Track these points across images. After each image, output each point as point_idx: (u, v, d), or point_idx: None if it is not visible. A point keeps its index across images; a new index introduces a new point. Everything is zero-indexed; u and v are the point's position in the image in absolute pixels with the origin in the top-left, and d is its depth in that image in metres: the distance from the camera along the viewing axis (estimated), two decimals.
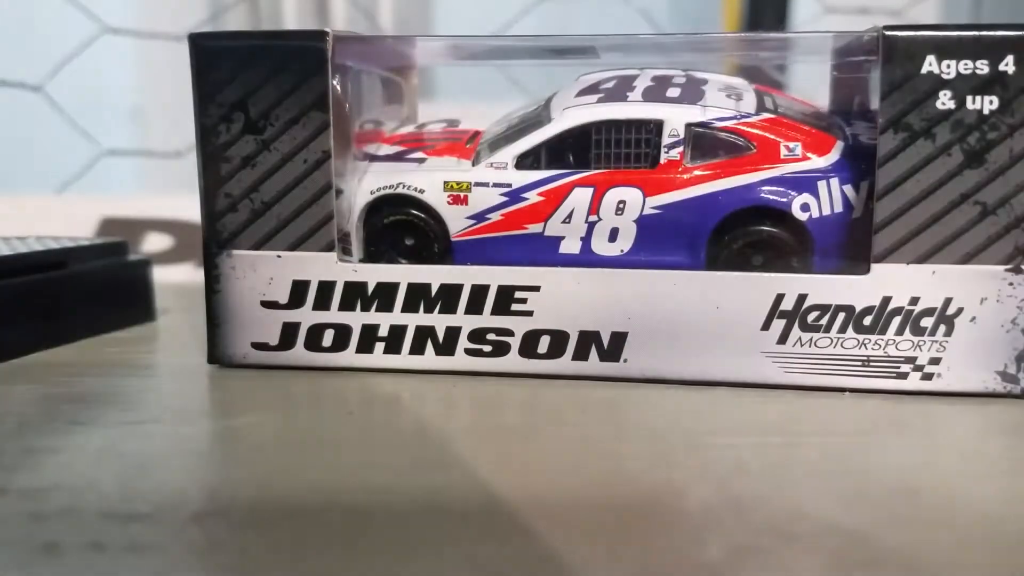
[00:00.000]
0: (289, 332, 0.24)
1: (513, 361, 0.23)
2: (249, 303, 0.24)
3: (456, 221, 0.24)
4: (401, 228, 0.24)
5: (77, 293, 0.28)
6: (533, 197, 0.24)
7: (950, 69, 0.21)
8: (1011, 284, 0.21)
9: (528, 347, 0.23)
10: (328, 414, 0.21)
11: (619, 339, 0.23)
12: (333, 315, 0.24)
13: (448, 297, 0.23)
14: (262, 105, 0.23)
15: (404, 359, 0.24)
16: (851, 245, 0.23)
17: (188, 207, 0.40)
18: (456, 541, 0.14)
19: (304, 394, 0.22)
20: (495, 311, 0.23)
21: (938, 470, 0.17)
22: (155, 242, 0.44)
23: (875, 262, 0.22)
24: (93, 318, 0.29)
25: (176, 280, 0.38)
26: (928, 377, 0.22)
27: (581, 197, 0.23)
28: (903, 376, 0.22)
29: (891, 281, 0.22)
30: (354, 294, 0.24)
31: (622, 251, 0.23)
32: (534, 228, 0.24)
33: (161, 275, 0.33)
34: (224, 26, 0.83)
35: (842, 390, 0.22)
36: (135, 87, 0.90)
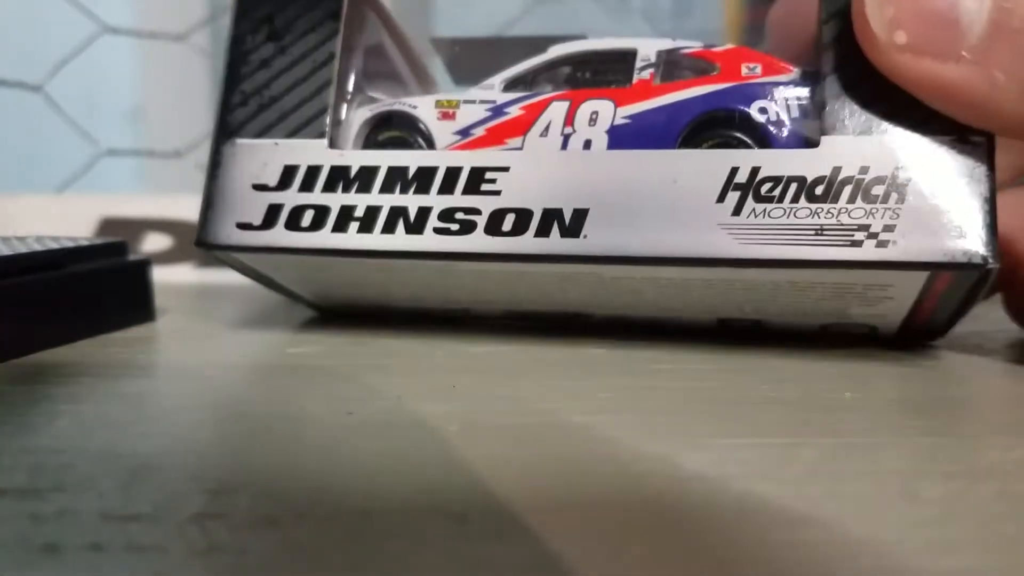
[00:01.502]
0: (272, 212, 0.25)
1: (478, 239, 0.24)
2: (242, 186, 0.26)
3: (443, 136, 0.26)
4: (393, 146, 0.26)
5: (77, 293, 0.28)
6: (515, 111, 0.25)
7: None
8: (960, 152, 0.22)
9: (493, 225, 0.24)
10: (329, 414, 0.21)
11: (580, 216, 0.24)
12: (315, 196, 0.25)
13: (423, 179, 0.25)
14: (286, 17, 0.26)
15: (375, 238, 0.25)
16: (806, 147, 0.23)
17: (188, 207, 0.40)
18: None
19: (305, 392, 0.22)
20: (466, 191, 0.24)
21: None
22: (155, 242, 0.44)
23: (824, 134, 0.23)
24: (93, 318, 0.29)
25: (176, 280, 0.38)
26: (883, 244, 0.22)
27: (558, 110, 0.25)
28: (858, 244, 0.22)
29: (841, 152, 0.22)
30: (337, 176, 0.25)
31: None
32: (514, 143, 0.25)
33: (161, 275, 0.33)
34: (224, 26, 0.83)
35: (799, 264, 0.22)
36: (135, 87, 0.90)
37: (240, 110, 0.26)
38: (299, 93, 0.26)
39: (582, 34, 0.27)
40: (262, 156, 0.26)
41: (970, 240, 0.22)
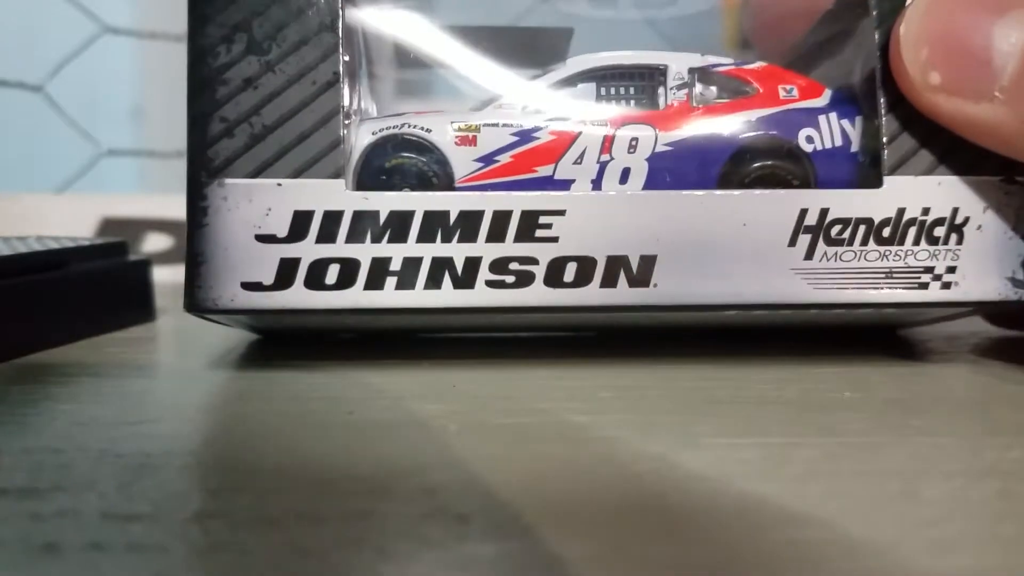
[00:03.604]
0: (287, 269, 0.22)
1: (538, 292, 0.22)
2: (242, 238, 0.22)
3: (463, 164, 0.23)
4: (401, 174, 0.23)
5: (77, 293, 0.28)
6: (545, 136, 0.23)
7: None
8: (1007, 193, 0.22)
9: (553, 276, 0.22)
10: (329, 413, 0.21)
11: (648, 263, 0.22)
12: (339, 248, 0.22)
13: (468, 225, 0.22)
14: (268, 26, 0.22)
15: (418, 295, 0.22)
16: (851, 178, 0.24)
17: None
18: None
19: (305, 392, 0.22)
20: (518, 238, 0.22)
21: None
22: (155, 242, 0.44)
23: (887, 174, 0.23)
24: (93, 318, 0.29)
25: (176, 280, 0.38)
26: (947, 286, 0.23)
27: (594, 135, 0.23)
28: (924, 286, 0.23)
29: (904, 192, 0.23)
30: (364, 224, 0.22)
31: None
32: (544, 171, 0.23)
33: (161, 275, 0.33)
34: None
35: (873, 307, 0.23)
36: (135, 87, 0.90)
37: (225, 142, 0.22)
38: (300, 122, 0.22)
39: (568, 28, 0.26)
40: (263, 200, 0.22)
41: (1021, 279, 0.23)
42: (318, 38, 0.22)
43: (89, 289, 0.29)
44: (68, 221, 0.45)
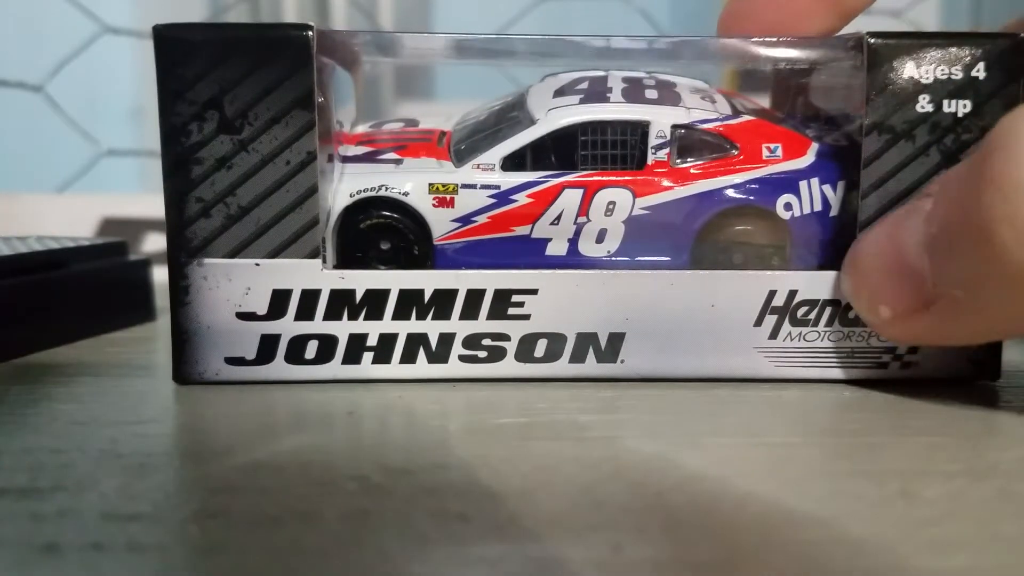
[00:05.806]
0: (268, 344, 0.23)
1: (509, 366, 0.23)
2: (223, 315, 0.22)
3: (440, 224, 0.23)
4: (378, 232, 0.24)
5: (77, 293, 0.28)
6: (522, 199, 0.23)
7: (928, 74, 0.22)
8: None
9: (525, 351, 0.23)
10: (329, 414, 0.21)
11: (617, 340, 0.23)
12: (317, 325, 0.23)
13: (442, 303, 0.23)
14: (240, 103, 0.22)
15: (394, 368, 0.23)
16: (827, 241, 0.24)
17: None
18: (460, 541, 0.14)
19: (304, 393, 0.22)
20: (491, 316, 0.23)
21: None
22: (155, 242, 0.44)
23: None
24: (93, 318, 0.29)
25: None
26: (907, 366, 0.23)
27: (571, 199, 0.23)
28: (884, 366, 0.23)
29: None
30: (341, 303, 0.23)
31: (608, 252, 0.24)
32: (521, 230, 0.23)
33: (161, 275, 0.33)
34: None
35: (829, 381, 0.23)
36: (135, 87, 0.90)
37: (202, 222, 0.22)
38: (276, 202, 0.22)
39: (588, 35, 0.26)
40: (242, 280, 0.22)
41: (982, 359, 0.23)
42: (292, 116, 0.22)
43: (89, 289, 0.29)
44: (68, 221, 0.45)
